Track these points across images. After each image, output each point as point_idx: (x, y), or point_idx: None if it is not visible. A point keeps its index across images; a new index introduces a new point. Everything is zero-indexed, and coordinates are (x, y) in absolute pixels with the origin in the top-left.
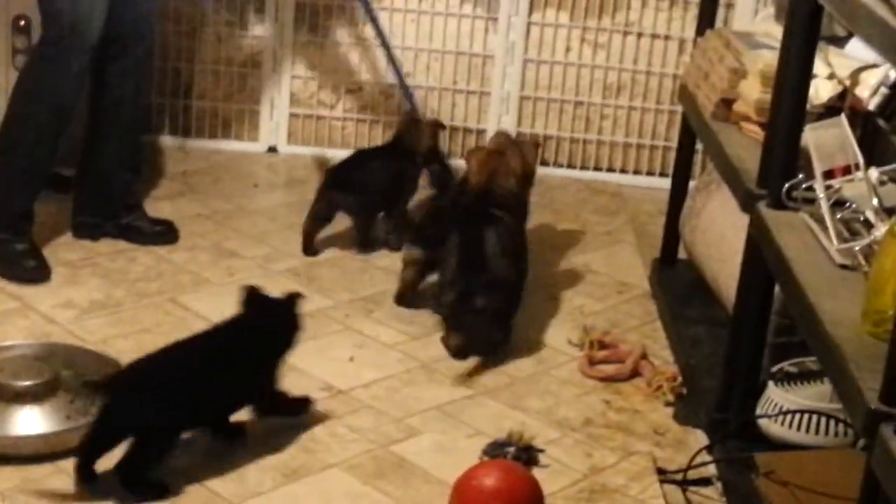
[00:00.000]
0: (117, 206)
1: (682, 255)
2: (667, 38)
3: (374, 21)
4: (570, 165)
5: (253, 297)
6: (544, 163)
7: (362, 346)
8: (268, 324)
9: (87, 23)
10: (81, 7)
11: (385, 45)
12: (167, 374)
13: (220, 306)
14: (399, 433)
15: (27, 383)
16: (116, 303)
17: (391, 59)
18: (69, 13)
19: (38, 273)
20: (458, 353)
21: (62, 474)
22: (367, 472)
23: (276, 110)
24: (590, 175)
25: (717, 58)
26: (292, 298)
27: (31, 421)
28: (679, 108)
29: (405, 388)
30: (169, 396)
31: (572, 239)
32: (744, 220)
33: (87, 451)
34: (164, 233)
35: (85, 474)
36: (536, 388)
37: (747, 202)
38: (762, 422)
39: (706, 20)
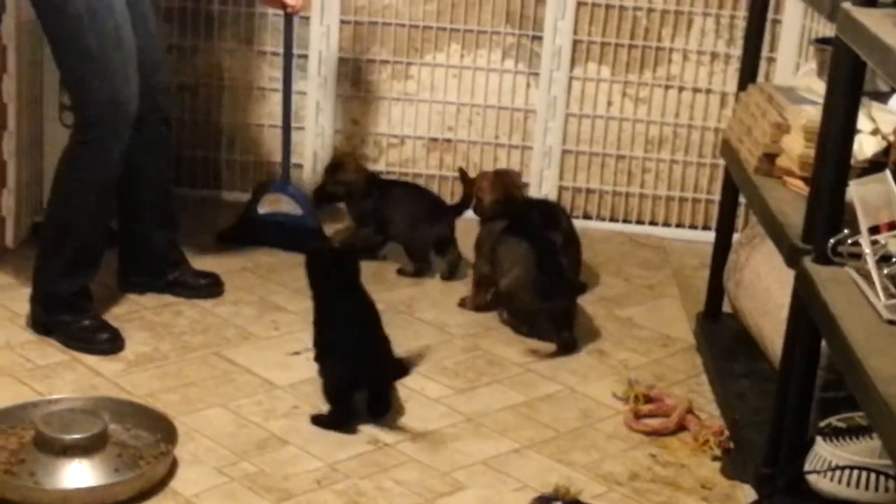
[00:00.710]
0: (162, 264)
1: (726, 308)
2: (708, 91)
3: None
4: (613, 219)
5: None
6: (587, 216)
7: (408, 400)
8: None
9: (124, 97)
10: (115, 81)
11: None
12: None
13: (265, 360)
14: (445, 487)
15: (76, 437)
16: (163, 356)
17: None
18: (104, 91)
19: (112, 345)
20: (572, 347)
21: None
22: None
23: (320, 164)
24: (632, 228)
25: (759, 112)
26: None
27: (79, 474)
28: (721, 162)
29: (451, 441)
30: None
31: (616, 292)
32: (788, 274)
33: None
34: (210, 286)
35: None
36: (582, 442)
37: (792, 257)
38: (811, 477)
39: (748, 74)
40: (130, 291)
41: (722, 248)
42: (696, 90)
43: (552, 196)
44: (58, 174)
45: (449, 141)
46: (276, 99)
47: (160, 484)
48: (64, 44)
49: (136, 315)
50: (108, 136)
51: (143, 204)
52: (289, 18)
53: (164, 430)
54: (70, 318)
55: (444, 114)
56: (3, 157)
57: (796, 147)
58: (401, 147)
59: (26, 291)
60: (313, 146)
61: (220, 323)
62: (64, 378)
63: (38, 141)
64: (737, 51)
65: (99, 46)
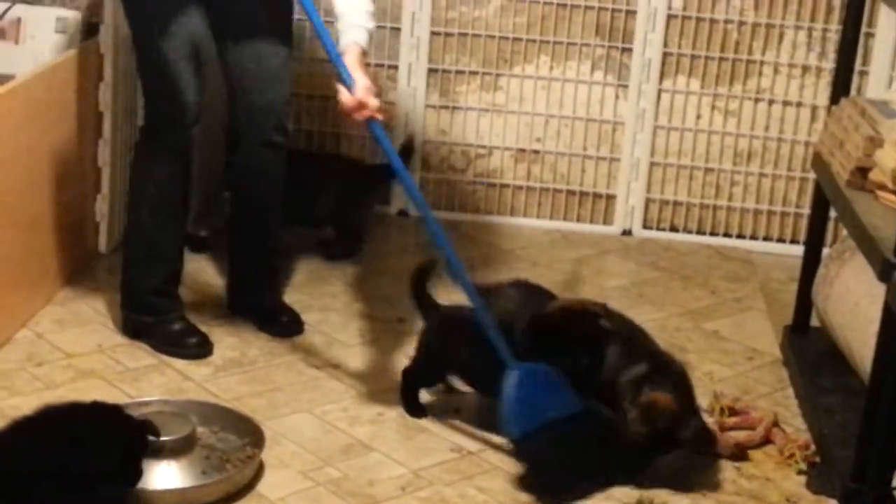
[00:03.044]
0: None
1: (814, 322)
2: (799, 104)
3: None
4: (700, 231)
5: None
6: (674, 228)
7: (492, 409)
8: None
9: (177, 102)
10: (166, 89)
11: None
12: None
13: (351, 367)
14: (529, 497)
15: (164, 439)
16: (250, 361)
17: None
18: (157, 94)
19: (201, 349)
20: None
21: None
22: None
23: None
24: (720, 241)
25: (852, 126)
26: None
27: (167, 476)
28: (811, 175)
29: None
30: None
31: (702, 304)
32: (879, 288)
33: None
34: (290, 323)
35: None
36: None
37: (884, 271)
38: None
39: (841, 88)
40: (233, 310)
41: (811, 262)
42: (786, 103)
43: (639, 209)
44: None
45: (537, 152)
46: None
47: (247, 487)
48: (135, 44)
49: (225, 320)
50: (158, 138)
51: (240, 224)
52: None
53: (251, 433)
54: (152, 319)
55: (532, 125)
56: (98, 164)
57: (889, 161)
58: (489, 157)
59: (118, 296)
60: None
61: (307, 330)
62: (153, 381)
63: (131, 149)
64: (828, 64)
65: (158, 52)
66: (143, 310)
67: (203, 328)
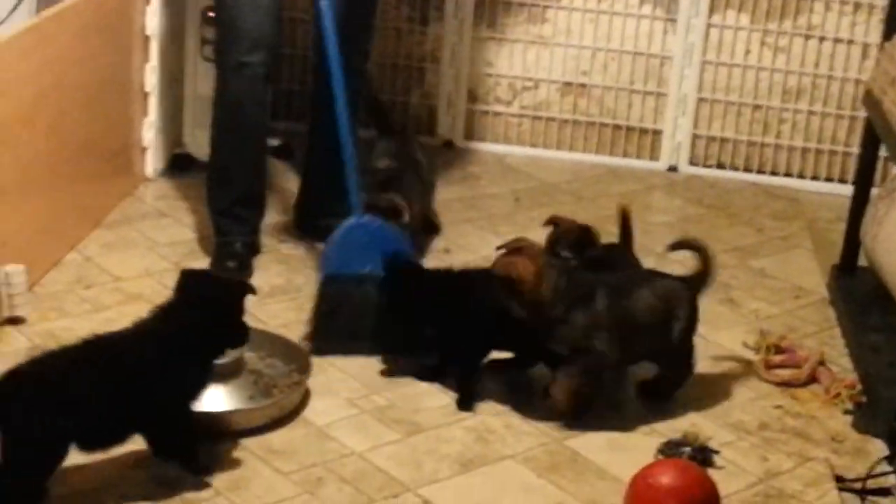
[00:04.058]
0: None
1: (861, 262)
2: (850, 42)
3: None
4: (747, 169)
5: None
6: (720, 165)
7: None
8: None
9: (240, 18)
10: (234, 3)
11: None
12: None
13: None
14: (574, 428)
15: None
16: (297, 288)
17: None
18: (225, 9)
19: (238, 274)
20: None
21: (245, 451)
22: (541, 464)
23: (453, 107)
24: (766, 179)
25: None
26: (241, 286)
27: (215, 399)
28: (860, 113)
29: None
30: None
31: (748, 242)
32: None
33: None
34: None
35: None
36: (711, 390)
37: None
38: None
39: (894, 24)
40: (301, 230)
41: (860, 201)
42: (837, 40)
43: (686, 145)
44: None
45: (583, 86)
46: (413, 38)
47: (293, 413)
48: None
49: (272, 248)
50: (222, 55)
51: (314, 144)
52: None
53: (297, 360)
54: (218, 238)
55: (579, 58)
56: (145, 89)
57: None
58: (535, 91)
59: (165, 221)
60: (447, 87)
61: None
62: None
63: (178, 75)
64: (881, 0)
65: None
66: (214, 229)
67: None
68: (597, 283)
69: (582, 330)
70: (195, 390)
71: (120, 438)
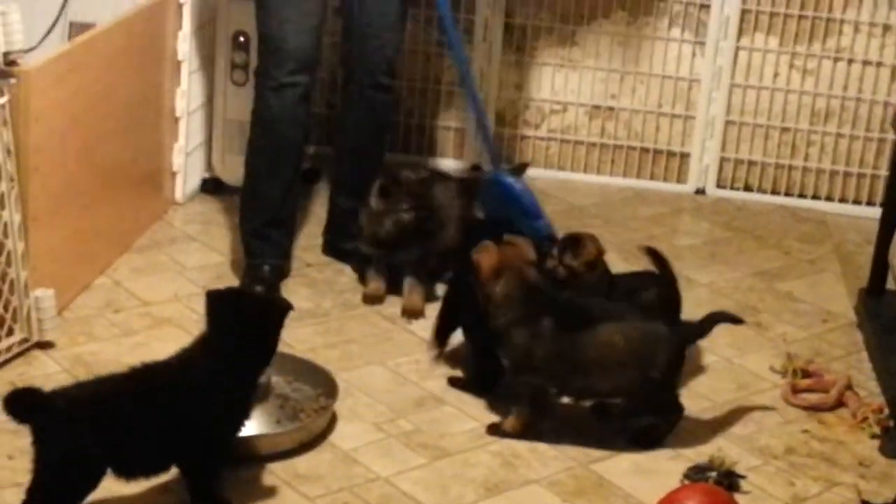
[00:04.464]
0: (338, 230)
1: (889, 285)
2: (879, 64)
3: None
4: (775, 192)
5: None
6: (748, 188)
7: None
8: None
9: (284, 40)
10: (281, 28)
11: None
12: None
13: (423, 321)
14: (599, 452)
15: None
16: (324, 313)
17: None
18: (269, 30)
19: None
20: None
21: (271, 476)
22: (567, 489)
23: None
24: (794, 202)
25: None
26: (277, 304)
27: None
28: (889, 136)
29: None
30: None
31: (775, 265)
32: None
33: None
34: None
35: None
36: (738, 414)
37: None
38: None
39: None
40: (328, 253)
41: (888, 224)
42: (865, 63)
43: (714, 168)
44: None
45: (611, 109)
46: (442, 61)
47: (320, 437)
48: None
49: (299, 272)
50: (264, 76)
51: (340, 165)
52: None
53: (324, 384)
54: (249, 259)
55: (607, 81)
56: (176, 114)
57: None
58: (563, 114)
59: (194, 245)
60: None
61: None
62: None
63: (209, 99)
64: None
65: None
66: (245, 250)
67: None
68: (553, 305)
69: (522, 348)
70: (241, 417)
71: (159, 468)
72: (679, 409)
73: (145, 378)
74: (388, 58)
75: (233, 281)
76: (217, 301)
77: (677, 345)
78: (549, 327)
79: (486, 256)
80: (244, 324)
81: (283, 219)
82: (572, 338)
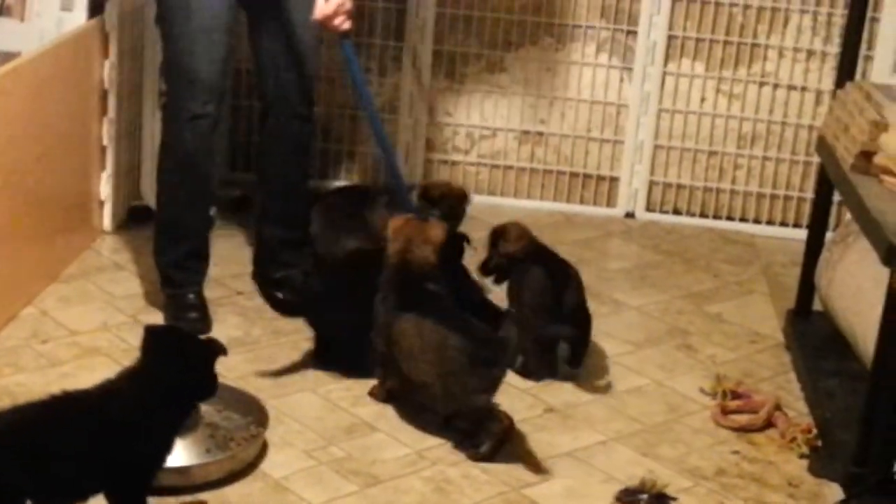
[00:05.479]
0: (265, 261)
1: (816, 306)
2: (803, 89)
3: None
4: (703, 214)
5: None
6: (677, 211)
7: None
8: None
9: (196, 70)
10: (189, 58)
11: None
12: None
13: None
14: (531, 477)
15: None
16: (254, 340)
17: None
18: (180, 61)
19: (200, 324)
20: None
21: None
22: None
23: (412, 156)
24: (722, 224)
25: (857, 110)
26: (212, 347)
27: (172, 454)
28: (814, 159)
29: (537, 432)
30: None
31: (704, 287)
32: (883, 273)
33: None
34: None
35: None
36: (668, 436)
37: (888, 255)
38: None
39: (846, 72)
40: (258, 282)
41: (814, 246)
42: (790, 87)
43: (643, 192)
44: None
45: (541, 134)
46: (371, 89)
47: (250, 466)
48: (158, 16)
49: (228, 300)
50: (176, 108)
51: (265, 195)
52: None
53: (254, 412)
54: (170, 290)
55: (536, 107)
56: (102, 143)
57: (894, 145)
58: (492, 139)
59: (123, 274)
60: (405, 138)
61: None
62: None
63: (136, 127)
64: (833, 48)
65: (176, 23)
66: (164, 281)
67: (211, 305)
68: (402, 285)
69: (383, 328)
70: (166, 450)
71: (79, 497)
72: (495, 418)
73: (66, 406)
74: (304, 89)
75: (161, 310)
76: (155, 337)
77: (471, 357)
78: (390, 304)
79: (395, 221)
80: (180, 362)
81: (202, 248)
82: (393, 320)
